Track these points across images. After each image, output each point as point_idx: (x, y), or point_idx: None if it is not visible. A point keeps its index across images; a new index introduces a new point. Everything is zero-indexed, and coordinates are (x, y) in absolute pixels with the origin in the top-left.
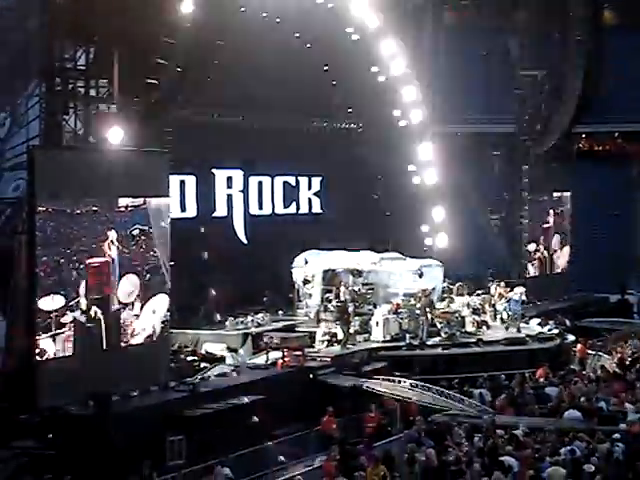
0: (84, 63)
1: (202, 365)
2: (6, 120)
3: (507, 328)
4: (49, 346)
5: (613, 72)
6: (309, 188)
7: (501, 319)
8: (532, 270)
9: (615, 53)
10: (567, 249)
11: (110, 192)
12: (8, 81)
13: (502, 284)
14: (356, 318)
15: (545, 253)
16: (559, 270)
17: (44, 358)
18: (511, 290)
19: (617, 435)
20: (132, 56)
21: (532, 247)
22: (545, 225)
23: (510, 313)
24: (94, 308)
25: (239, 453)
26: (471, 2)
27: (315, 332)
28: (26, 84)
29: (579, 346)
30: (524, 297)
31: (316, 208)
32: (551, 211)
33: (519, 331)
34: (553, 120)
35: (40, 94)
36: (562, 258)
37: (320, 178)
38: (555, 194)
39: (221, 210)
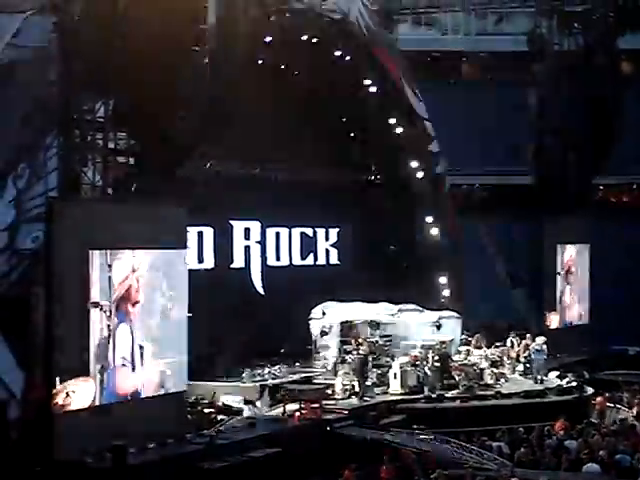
0: (103, 115)
1: (219, 417)
2: (25, 172)
3: (535, 379)
4: (67, 397)
5: (631, 124)
6: (326, 239)
7: (520, 371)
8: (551, 322)
9: (633, 104)
10: (586, 301)
11: (128, 244)
12: (27, 133)
13: (527, 335)
14: (374, 370)
15: (564, 305)
16: (578, 322)
17: (61, 410)
18: (532, 341)
19: None
20: (150, 108)
21: (551, 299)
22: (564, 277)
23: (534, 364)
24: None
25: None
26: (489, 55)
27: (333, 384)
28: (45, 136)
29: (598, 399)
30: (545, 347)
31: (333, 259)
32: (570, 263)
33: (541, 382)
34: (571, 171)
35: (59, 146)
36: (581, 310)
37: (337, 229)
38: (574, 246)
39: (239, 261)
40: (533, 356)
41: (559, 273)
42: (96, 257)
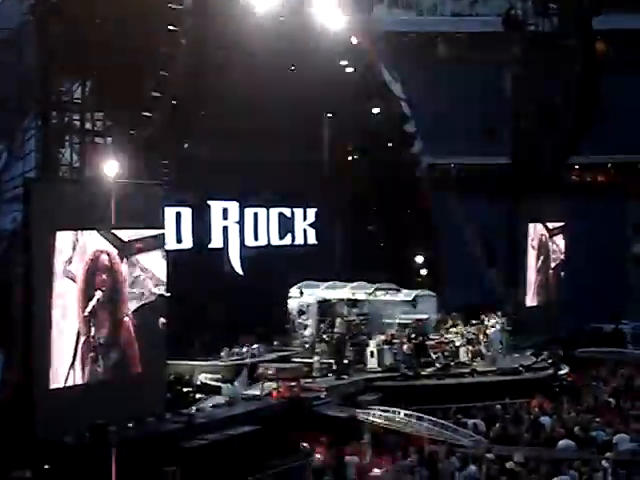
0: (80, 96)
1: (197, 396)
2: (3, 153)
3: (492, 360)
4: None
5: (606, 104)
6: (304, 219)
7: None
8: (527, 300)
9: (609, 85)
10: (561, 280)
11: (105, 224)
12: (5, 114)
13: (497, 314)
14: (351, 348)
15: (539, 284)
16: (553, 301)
17: (42, 389)
18: (493, 319)
19: (605, 463)
20: (128, 89)
21: (526, 278)
22: (539, 256)
23: (491, 342)
24: None
25: None
26: (465, 35)
27: (311, 363)
28: (23, 117)
29: (573, 376)
30: (505, 326)
31: (311, 239)
32: (545, 242)
33: (494, 362)
34: (546, 151)
35: (36, 127)
36: (556, 289)
37: (315, 209)
38: (548, 225)
39: (217, 241)
40: (491, 334)
41: (534, 252)
42: (70, 237)
